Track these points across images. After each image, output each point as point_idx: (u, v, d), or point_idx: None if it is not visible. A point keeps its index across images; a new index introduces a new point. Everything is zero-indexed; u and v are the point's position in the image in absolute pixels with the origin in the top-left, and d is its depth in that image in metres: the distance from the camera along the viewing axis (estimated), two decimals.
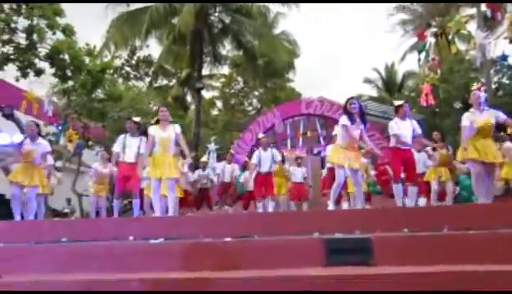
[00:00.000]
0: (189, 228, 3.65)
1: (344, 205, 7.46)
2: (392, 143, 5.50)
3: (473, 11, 15.78)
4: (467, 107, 5.39)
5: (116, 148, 6.30)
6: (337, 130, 6.67)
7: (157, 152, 5.35)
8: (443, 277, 2.40)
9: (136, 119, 6.43)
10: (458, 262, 2.63)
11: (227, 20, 19.41)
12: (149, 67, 23.86)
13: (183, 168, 8.01)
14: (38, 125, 6.19)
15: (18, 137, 11.61)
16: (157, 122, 5.48)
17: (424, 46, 12.07)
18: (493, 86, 15.10)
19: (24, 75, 11.47)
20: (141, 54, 23.27)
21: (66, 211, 13.24)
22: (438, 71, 11.50)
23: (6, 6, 10.92)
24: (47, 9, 11.06)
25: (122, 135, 6.38)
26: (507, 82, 15.55)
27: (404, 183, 5.68)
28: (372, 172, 8.66)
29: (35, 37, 11.14)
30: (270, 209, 7.50)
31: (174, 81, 24.06)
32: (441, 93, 15.14)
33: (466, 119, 5.09)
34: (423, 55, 12.40)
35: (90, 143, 12.89)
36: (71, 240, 3.42)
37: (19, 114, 11.61)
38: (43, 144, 6.02)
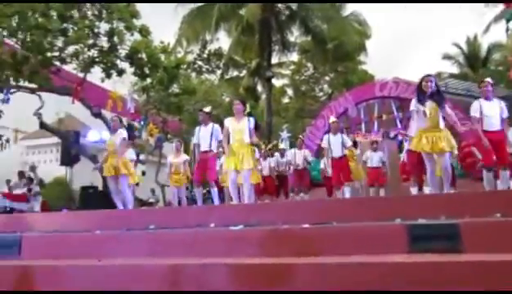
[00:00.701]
0: (267, 214, 3.71)
1: (426, 190, 6.94)
2: (477, 125, 5.14)
3: None
4: None
5: (194, 140, 6.61)
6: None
7: (232, 143, 5.53)
8: None
9: (207, 109, 6.66)
10: None
11: (294, 7, 19.21)
12: (220, 60, 24.46)
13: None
14: (121, 120, 6.64)
15: (106, 134, 12.61)
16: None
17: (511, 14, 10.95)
18: None
19: (108, 76, 12.37)
20: (211, 47, 23.93)
21: (151, 200, 14.14)
22: None
23: (89, 12, 11.81)
24: (124, 12, 11.77)
25: (197, 128, 6.66)
26: None
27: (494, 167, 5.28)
28: (455, 152, 8.09)
29: (116, 39, 11.92)
30: (346, 194, 7.34)
31: (244, 72, 24.43)
32: None
33: None
34: (511, 24, 11.26)
35: (169, 136, 13.60)
36: (158, 227, 3.65)
37: (105, 113, 12.60)
38: (120, 133, 6.33)
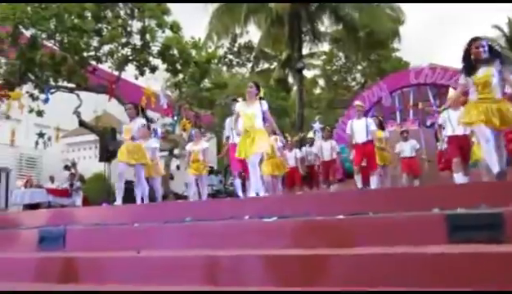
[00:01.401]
0: (301, 206, 3.70)
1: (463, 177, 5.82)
2: None
3: None
4: None
5: (226, 132, 6.63)
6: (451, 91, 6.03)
7: (243, 129, 5.20)
8: None
9: (239, 99, 6.60)
10: None
11: None
12: (250, 53, 24.46)
13: (277, 144, 7.82)
14: (136, 106, 6.50)
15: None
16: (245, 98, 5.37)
17: None
18: None
19: (142, 73, 12.64)
20: (241, 41, 23.96)
21: (186, 194, 14.40)
22: None
23: (122, 12, 12.09)
24: (155, 10, 11.97)
25: (228, 119, 6.64)
26: None
27: None
28: None
29: (148, 37, 12.15)
30: (373, 185, 6.89)
31: (275, 64, 24.34)
32: None
33: None
34: None
35: (202, 130, 13.76)
36: (194, 219, 3.72)
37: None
38: (138, 121, 6.21)
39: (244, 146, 5.10)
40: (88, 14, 11.41)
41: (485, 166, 5.24)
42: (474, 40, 4.19)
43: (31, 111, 12.27)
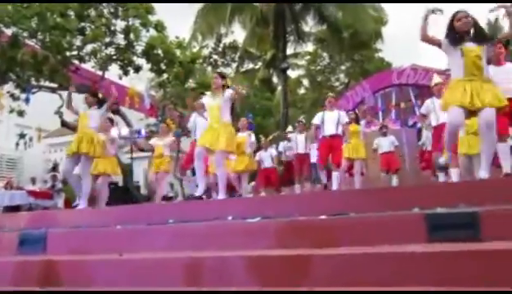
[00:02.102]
0: (284, 206, 3.73)
1: (454, 173, 5.43)
2: None
3: None
4: None
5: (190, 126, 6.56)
6: (436, 78, 5.80)
7: (208, 122, 4.91)
8: None
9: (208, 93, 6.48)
10: None
11: None
12: (235, 52, 24.44)
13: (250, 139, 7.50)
14: (94, 94, 6.09)
15: (125, 131, 12.80)
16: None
17: None
18: None
19: (126, 73, 12.53)
20: (226, 41, 23.94)
21: (171, 195, 14.33)
22: None
23: (105, 11, 11.96)
24: (139, 9, 11.88)
25: (193, 114, 6.52)
26: None
27: None
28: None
29: (132, 36, 12.05)
30: (335, 181, 6.71)
31: (260, 64, 24.38)
32: None
33: None
34: None
35: (187, 130, 13.70)
36: (177, 221, 3.71)
37: (124, 109, 12.77)
38: (98, 111, 5.83)
39: (210, 137, 4.73)
40: (71, 13, 11.26)
41: (465, 162, 5.22)
42: (459, 12, 3.80)
43: (12, 111, 12.05)
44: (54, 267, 3.16)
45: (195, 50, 17.21)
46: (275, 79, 23.78)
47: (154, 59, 12.44)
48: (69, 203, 11.67)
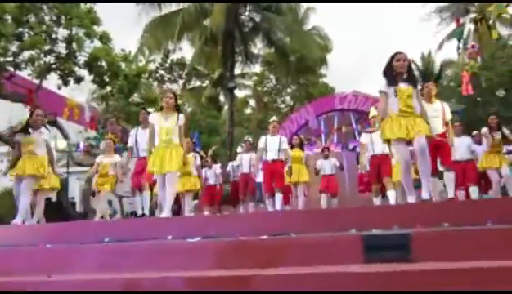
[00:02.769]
0: (225, 226, 3.70)
1: (390, 194, 6.04)
2: None
3: None
4: None
5: (130, 143, 6.43)
6: (373, 111, 6.16)
7: (158, 144, 4.83)
8: (484, 273, 2.30)
9: (151, 109, 6.36)
10: (502, 258, 2.52)
11: (258, 19, 19.48)
12: (182, 69, 24.32)
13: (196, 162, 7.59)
14: (45, 116, 5.87)
15: (62, 143, 12.17)
16: (161, 108, 4.94)
17: (461, 33, 11.66)
18: None
19: (66, 83, 11.99)
20: (174, 57, 23.77)
21: (109, 212, 13.69)
22: (478, 59, 11.06)
23: (46, 18, 11.44)
24: (84, 18, 11.50)
25: (133, 130, 6.44)
26: None
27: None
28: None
29: (74, 46, 11.60)
30: (277, 202, 6.85)
31: (207, 82, 24.40)
32: (483, 81, 14.48)
33: None
34: (461, 42, 11.96)
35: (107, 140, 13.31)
36: (113, 240, 3.55)
37: (62, 121, 12.15)
38: (43, 133, 5.58)
39: (161, 160, 4.71)
40: (8, 17, 10.64)
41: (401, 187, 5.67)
42: (398, 53, 4.17)
43: None
44: None
45: (141, 64, 16.88)
46: (222, 98, 23.87)
47: (97, 70, 12.03)
48: None
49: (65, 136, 12.35)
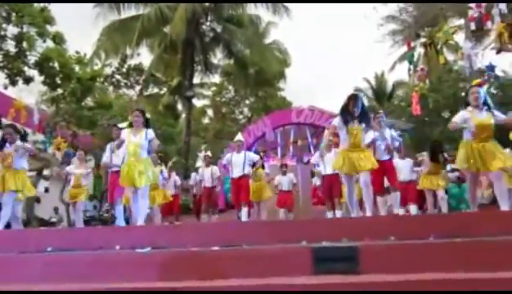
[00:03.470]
0: (177, 237, 3.63)
1: (338, 213, 6.92)
2: None
3: (461, 22, 16.03)
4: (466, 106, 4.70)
5: (105, 157, 6.29)
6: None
7: (127, 159, 5.11)
8: (428, 285, 2.41)
9: (121, 125, 6.28)
10: (444, 270, 2.64)
11: (219, 29, 19.52)
12: (140, 75, 23.83)
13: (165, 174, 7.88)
14: (16, 130, 5.83)
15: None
16: (130, 125, 5.24)
17: (412, 56, 12.24)
18: None
19: (13, 83, 11.39)
20: (131, 62, 23.26)
21: (53, 220, 13.06)
22: (427, 81, 11.64)
23: None
24: (37, 17, 11.02)
25: (109, 145, 6.31)
26: (494, 92, 15.79)
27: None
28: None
29: (25, 44, 11.08)
30: (243, 215, 7.15)
31: (165, 89, 24.03)
32: (430, 102, 15.29)
33: (460, 117, 4.52)
34: (412, 64, 12.56)
35: (79, 151, 12.79)
36: (57, 249, 3.37)
37: (6, 123, 11.46)
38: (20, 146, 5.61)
39: (131, 174, 4.99)
40: None
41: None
42: (353, 97, 4.90)
43: None
44: None
45: (96, 67, 16.37)
46: (179, 106, 23.55)
47: (48, 71, 11.54)
48: None
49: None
